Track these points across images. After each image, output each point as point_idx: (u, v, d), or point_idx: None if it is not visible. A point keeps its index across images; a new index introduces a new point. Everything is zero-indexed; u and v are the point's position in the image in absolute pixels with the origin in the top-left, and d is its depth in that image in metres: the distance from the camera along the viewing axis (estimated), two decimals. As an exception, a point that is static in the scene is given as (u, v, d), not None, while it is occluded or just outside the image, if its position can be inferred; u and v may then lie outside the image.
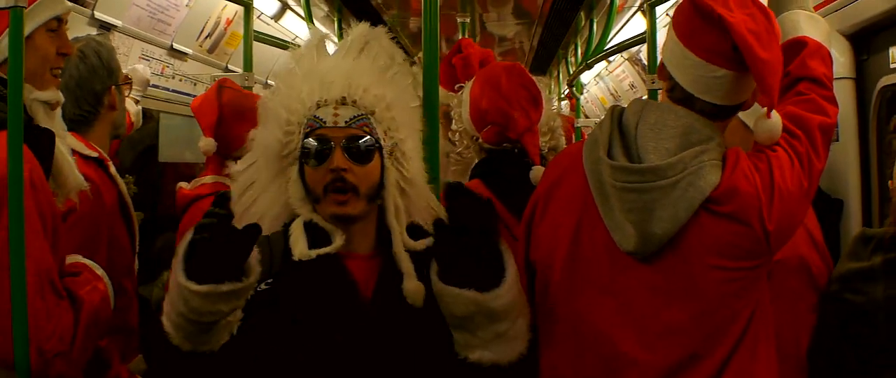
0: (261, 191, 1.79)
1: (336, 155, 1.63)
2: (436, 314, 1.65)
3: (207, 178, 2.84)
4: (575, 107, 7.70)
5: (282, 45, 3.87)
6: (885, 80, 2.71)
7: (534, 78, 2.56)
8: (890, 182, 2.15)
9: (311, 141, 1.66)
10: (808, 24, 1.94)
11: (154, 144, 4.16)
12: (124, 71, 3.57)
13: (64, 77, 2.46)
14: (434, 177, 1.99)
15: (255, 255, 1.53)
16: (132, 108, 3.37)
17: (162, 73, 4.34)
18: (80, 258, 2.07)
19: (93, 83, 2.54)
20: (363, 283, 1.68)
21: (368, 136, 1.67)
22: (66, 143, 2.30)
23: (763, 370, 1.76)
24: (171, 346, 1.51)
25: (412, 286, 1.66)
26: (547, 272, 1.91)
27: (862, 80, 2.91)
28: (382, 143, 1.69)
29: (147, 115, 4.03)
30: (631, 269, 1.77)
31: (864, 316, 2.01)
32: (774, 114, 1.78)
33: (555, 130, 2.63)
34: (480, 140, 2.52)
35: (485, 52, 3.26)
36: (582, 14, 6.68)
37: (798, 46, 1.92)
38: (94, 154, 2.45)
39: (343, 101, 1.68)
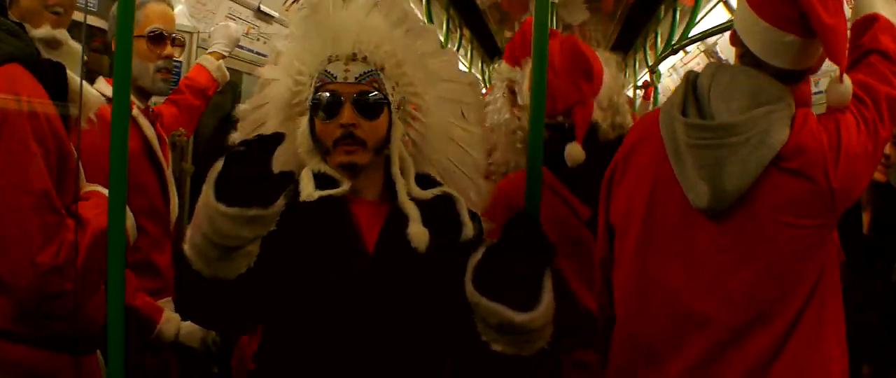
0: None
1: (346, 110, 1.70)
2: (437, 262, 1.71)
3: None
4: (652, 95, 7.65)
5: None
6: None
7: (595, 51, 2.51)
8: None
9: (322, 95, 1.71)
10: (884, 4, 1.99)
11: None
12: (214, 27, 3.64)
13: (110, 32, 2.64)
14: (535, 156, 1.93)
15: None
16: (213, 64, 3.41)
17: (247, 33, 4.37)
18: (96, 187, 2.14)
19: (112, 33, 2.62)
20: (367, 227, 1.75)
21: (377, 92, 1.72)
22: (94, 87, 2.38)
23: (831, 332, 1.83)
24: (191, 271, 1.55)
25: (417, 230, 1.71)
26: (624, 233, 2.01)
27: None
28: (390, 98, 1.74)
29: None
30: (704, 228, 1.85)
31: None
32: (846, 78, 1.84)
33: (618, 106, 2.55)
34: None
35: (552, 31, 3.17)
36: (663, 6, 6.65)
37: (870, 21, 1.97)
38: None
39: (354, 57, 1.74)
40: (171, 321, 2.56)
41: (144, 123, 2.69)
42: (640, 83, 9.07)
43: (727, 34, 2.05)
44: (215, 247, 1.50)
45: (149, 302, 2.55)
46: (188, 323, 2.57)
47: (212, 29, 3.75)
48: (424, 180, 1.83)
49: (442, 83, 1.89)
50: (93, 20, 2.94)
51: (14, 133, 1.91)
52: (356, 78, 1.72)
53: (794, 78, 1.90)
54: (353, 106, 1.70)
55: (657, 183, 1.93)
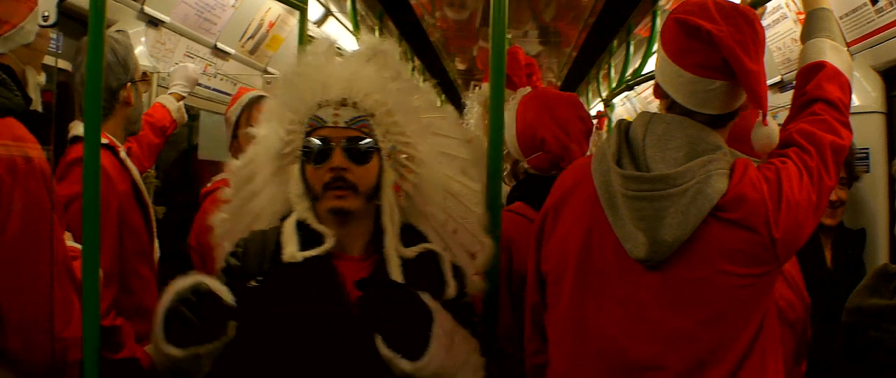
0: (261, 186, 1.87)
1: (336, 155, 1.71)
2: None
3: (220, 176, 2.91)
4: (605, 125, 7.79)
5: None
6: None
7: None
8: None
9: (313, 140, 1.73)
10: (832, 53, 1.97)
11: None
12: (174, 67, 3.68)
13: (79, 71, 2.56)
14: (495, 197, 2.08)
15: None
16: (173, 104, 3.43)
17: (205, 71, 4.41)
18: (74, 243, 2.12)
19: (108, 79, 2.59)
20: (350, 285, 1.71)
21: (368, 138, 1.73)
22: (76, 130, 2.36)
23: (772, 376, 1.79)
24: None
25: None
26: (558, 283, 1.95)
27: (893, 114, 2.96)
28: (381, 144, 1.76)
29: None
30: (641, 277, 1.80)
31: (891, 352, 2.05)
32: (771, 121, 1.84)
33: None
34: (526, 165, 2.60)
35: (530, 60, 3.26)
36: (615, 41, 6.74)
37: (816, 69, 1.95)
38: (105, 140, 2.50)
39: (343, 103, 1.75)
40: None
41: (131, 166, 2.67)
42: (593, 113, 9.24)
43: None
44: (173, 372, 1.57)
45: (148, 353, 2.48)
46: None
47: (171, 68, 3.78)
48: (409, 233, 1.83)
49: (437, 137, 1.91)
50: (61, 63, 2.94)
51: (30, 196, 1.87)
52: (346, 123, 1.74)
53: (724, 121, 1.88)
54: (343, 151, 1.72)
55: (592, 230, 1.88)
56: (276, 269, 1.67)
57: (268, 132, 1.88)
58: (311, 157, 1.73)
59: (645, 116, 1.90)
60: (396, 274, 1.73)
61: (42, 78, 2.18)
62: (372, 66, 1.85)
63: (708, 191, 1.73)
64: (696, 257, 1.76)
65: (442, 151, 1.91)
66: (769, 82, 3.77)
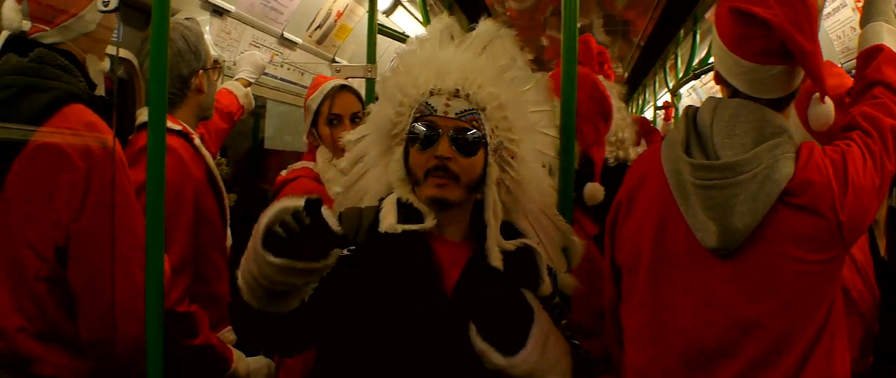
0: (370, 165, 1.87)
1: (442, 143, 1.68)
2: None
3: (298, 165, 2.90)
4: (672, 115, 7.66)
5: (402, 38, 3.88)
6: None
7: (607, 85, 2.60)
8: None
9: (420, 126, 1.70)
10: (889, 36, 1.98)
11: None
12: (240, 55, 3.67)
13: (147, 60, 2.54)
14: (566, 186, 2.06)
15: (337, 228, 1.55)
16: (240, 90, 3.42)
17: (271, 61, 4.41)
18: None
19: (179, 67, 2.59)
20: (447, 268, 1.73)
21: (476, 130, 1.69)
22: (144, 117, 2.37)
23: (839, 368, 1.81)
24: (243, 302, 1.57)
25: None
26: (632, 273, 1.99)
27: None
28: (489, 139, 1.71)
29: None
30: (713, 265, 1.83)
31: None
32: (827, 100, 1.91)
33: (623, 141, 2.71)
34: None
35: (602, 48, 3.19)
36: (682, 31, 6.68)
37: (875, 52, 1.96)
38: (178, 127, 2.51)
39: (456, 94, 1.71)
40: (242, 360, 2.54)
41: (206, 153, 2.66)
42: (660, 104, 9.09)
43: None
44: (263, 288, 1.52)
45: (221, 341, 2.53)
46: (254, 359, 2.57)
47: (236, 57, 3.79)
48: (507, 229, 1.81)
49: (539, 135, 1.89)
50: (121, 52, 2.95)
51: (106, 183, 1.89)
52: (456, 114, 1.71)
53: (785, 103, 1.90)
54: (449, 140, 1.69)
55: (664, 219, 1.91)
56: (371, 241, 1.65)
57: (380, 110, 1.86)
58: (418, 142, 1.71)
59: (711, 102, 1.92)
60: (497, 265, 1.70)
61: (105, 64, 2.19)
62: (487, 56, 1.83)
63: (776, 176, 1.76)
64: (766, 244, 1.78)
65: (540, 150, 1.90)
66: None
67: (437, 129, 1.70)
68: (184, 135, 2.56)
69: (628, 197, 2.03)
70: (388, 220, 1.68)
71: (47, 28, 2.08)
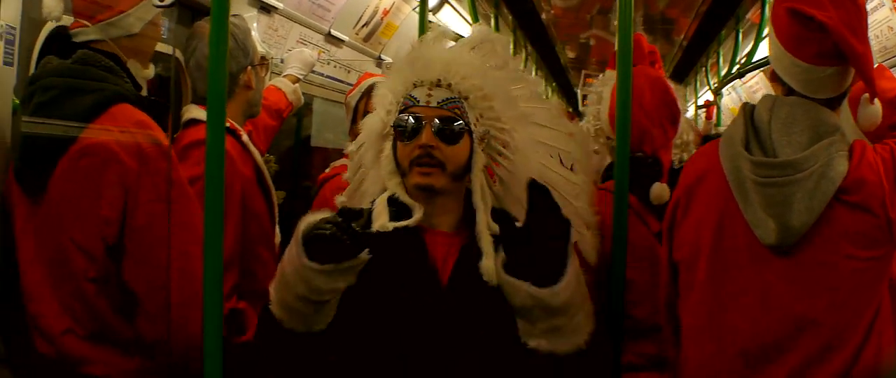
0: (368, 169, 1.89)
1: (425, 132, 1.70)
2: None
3: (339, 162, 2.91)
4: (714, 114, 7.60)
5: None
6: None
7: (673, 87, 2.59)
8: None
9: (404, 117, 1.72)
10: None
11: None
12: (287, 53, 3.68)
13: (198, 56, 2.56)
14: (621, 188, 2.07)
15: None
16: (288, 87, 3.41)
17: (318, 58, 4.42)
18: None
19: (227, 64, 2.59)
20: (441, 259, 1.75)
21: (459, 120, 1.71)
22: (191, 114, 2.38)
23: (887, 363, 1.82)
24: (284, 331, 1.66)
25: (489, 264, 1.69)
26: (691, 270, 2.00)
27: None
28: (473, 127, 1.73)
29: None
30: (770, 262, 1.85)
31: None
32: (877, 101, 1.91)
33: (688, 145, 2.72)
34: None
35: (653, 48, 3.18)
36: (724, 31, 6.66)
37: None
38: (227, 124, 2.52)
39: (438, 83, 1.75)
40: None
41: (254, 150, 2.67)
42: (701, 102, 9.02)
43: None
44: (311, 303, 1.62)
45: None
46: None
47: (284, 54, 3.79)
48: (503, 217, 1.79)
49: (536, 127, 1.88)
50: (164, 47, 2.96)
51: (160, 181, 1.90)
52: (438, 103, 1.73)
53: (837, 102, 1.92)
54: (433, 129, 1.71)
55: (723, 216, 1.92)
56: (368, 242, 1.65)
57: (373, 116, 1.89)
58: (403, 133, 1.73)
59: (769, 100, 1.94)
60: (488, 250, 1.71)
61: (149, 71, 2.19)
62: (476, 54, 1.85)
63: (831, 174, 1.78)
64: (822, 241, 1.81)
65: (539, 141, 1.88)
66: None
67: (421, 119, 1.72)
68: (232, 132, 2.55)
69: (686, 195, 2.05)
70: (380, 220, 1.69)
71: (89, 24, 2.06)
